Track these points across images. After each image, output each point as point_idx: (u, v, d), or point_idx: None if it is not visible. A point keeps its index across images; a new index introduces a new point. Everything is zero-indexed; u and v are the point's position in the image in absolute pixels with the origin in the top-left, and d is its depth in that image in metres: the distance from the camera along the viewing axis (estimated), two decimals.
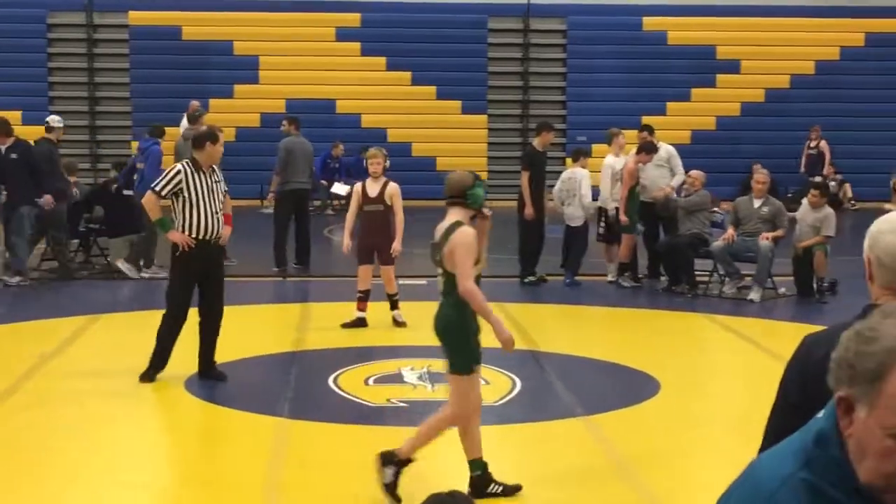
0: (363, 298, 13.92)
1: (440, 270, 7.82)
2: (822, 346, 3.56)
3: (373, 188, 13.78)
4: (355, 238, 13.85)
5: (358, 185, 14.11)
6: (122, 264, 17.65)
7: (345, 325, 13.83)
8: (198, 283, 11.19)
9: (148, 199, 11.12)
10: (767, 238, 15.98)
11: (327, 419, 10.06)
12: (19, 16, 30.73)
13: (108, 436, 9.61)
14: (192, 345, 11.40)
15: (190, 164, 11.14)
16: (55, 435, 9.49)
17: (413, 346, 12.18)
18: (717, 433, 9.74)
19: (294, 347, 12.90)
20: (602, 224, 17.54)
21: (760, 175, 16.75)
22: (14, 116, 29.67)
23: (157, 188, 11.04)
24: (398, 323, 13.92)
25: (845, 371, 2.26)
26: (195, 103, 24.46)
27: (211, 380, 11.17)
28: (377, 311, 14.03)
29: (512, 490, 8.02)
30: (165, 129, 18.72)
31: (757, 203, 16.49)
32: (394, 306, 14.01)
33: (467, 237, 7.69)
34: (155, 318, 11.57)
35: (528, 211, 17.14)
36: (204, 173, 11.12)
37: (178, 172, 11.03)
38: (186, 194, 10.96)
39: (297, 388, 11.16)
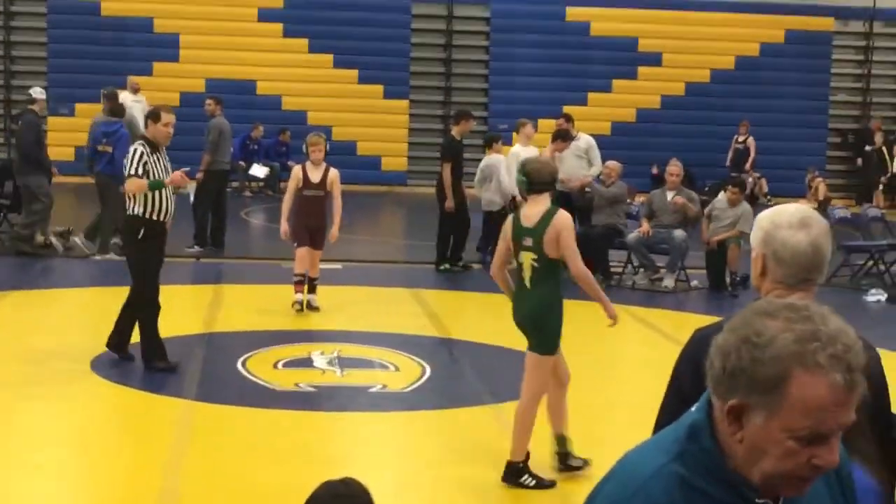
0: (301, 282, 13.83)
1: (533, 256, 7.96)
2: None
3: (314, 173, 13.77)
4: (290, 221, 13.78)
5: (297, 169, 14.01)
6: (79, 239, 17.43)
7: (299, 310, 13.67)
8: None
9: (134, 185, 10.70)
10: (678, 203, 16.22)
11: (233, 402, 9.99)
12: None
13: (7, 416, 9.46)
14: (101, 324, 11.27)
15: (146, 144, 10.94)
16: None
17: (324, 330, 12.15)
18: (621, 422, 9.80)
19: (204, 329, 12.80)
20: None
21: (674, 167, 16.90)
22: None
23: (133, 172, 10.72)
24: (312, 307, 13.85)
25: (739, 379, 2.20)
26: (134, 80, 24.39)
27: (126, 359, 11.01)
28: (289, 294, 13.94)
29: (547, 485, 8.12)
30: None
31: (670, 195, 16.64)
32: (311, 290, 13.95)
33: (569, 220, 8.04)
34: (63, 296, 11.42)
35: (449, 203, 17.12)
36: (159, 153, 10.97)
37: (142, 154, 10.80)
38: (147, 176, 10.77)
39: (205, 370, 11.07)
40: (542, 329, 8.08)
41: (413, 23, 31.79)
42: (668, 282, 16.34)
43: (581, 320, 14.66)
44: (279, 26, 30.94)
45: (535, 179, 8.06)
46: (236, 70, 30.16)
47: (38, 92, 18.30)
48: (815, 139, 32.02)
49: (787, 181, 29.59)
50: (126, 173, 10.84)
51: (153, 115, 11.12)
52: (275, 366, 11.23)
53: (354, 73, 30.94)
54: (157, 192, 10.79)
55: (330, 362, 11.37)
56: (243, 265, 17.37)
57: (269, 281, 15.96)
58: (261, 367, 11.13)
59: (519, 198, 16.12)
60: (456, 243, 17.49)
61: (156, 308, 10.92)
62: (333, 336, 12.55)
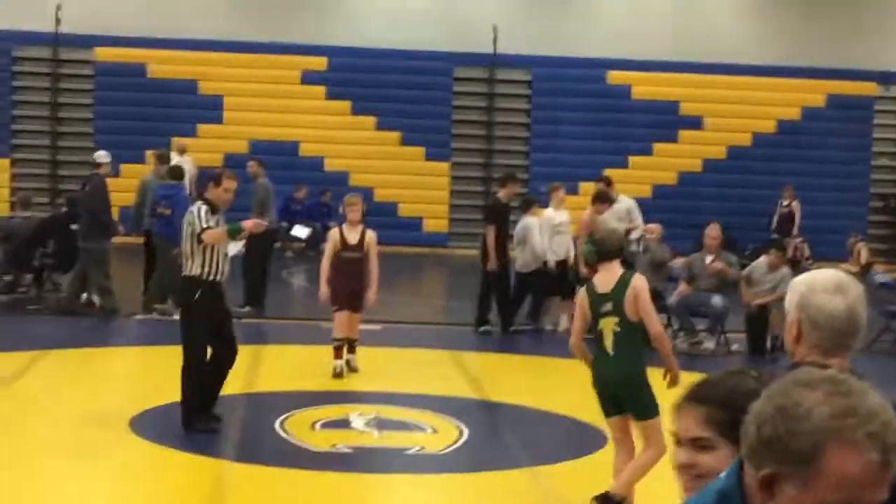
0: (341, 346, 13.63)
1: (615, 321, 8.15)
2: None
3: (352, 235, 13.67)
4: (329, 284, 13.63)
5: (334, 231, 13.91)
6: (158, 307, 17.45)
7: (338, 375, 13.50)
8: (216, 325, 11.01)
9: (214, 235, 10.76)
10: (716, 268, 16.16)
11: (271, 463, 9.99)
12: None
13: (46, 473, 9.50)
14: (140, 383, 11.33)
15: (206, 205, 10.97)
16: None
17: (362, 391, 12.15)
18: (663, 488, 9.72)
19: (244, 389, 12.81)
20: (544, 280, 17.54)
21: (712, 231, 16.83)
22: None
23: (206, 225, 10.75)
24: (352, 368, 13.83)
25: (774, 449, 2.18)
26: (182, 142, 24.69)
27: (214, 421, 11.02)
28: (328, 354, 13.95)
29: None
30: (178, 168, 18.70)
31: (709, 259, 16.57)
32: (351, 350, 13.88)
33: (645, 282, 8.35)
34: (107, 355, 11.49)
35: (492, 264, 17.09)
36: (217, 215, 11.02)
37: (207, 210, 10.86)
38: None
39: (243, 430, 11.09)
40: (641, 390, 8.26)
41: (455, 85, 31.97)
42: (709, 344, 16.27)
43: None
44: (322, 89, 31.20)
45: (603, 248, 8.33)
46: (279, 131, 30.40)
47: (102, 156, 18.47)
48: (856, 203, 31.88)
49: (829, 245, 29.38)
50: (200, 227, 10.76)
51: (215, 179, 11.15)
52: (312, 426, 11.23)
53: (397, 135, 31.12)
54: (215, 253, 10.83)
55: (368, 423, 11.36)
56: (284, 325, 17.40)
57: (309, 342, 15.99)
58: (299, 427, 11.13)
59: (583, 268, 16.14)
60: (497, 305, 17.44)
61: (207, 367, 10.92)
62: (371, 397, 12.56)
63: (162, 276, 17.27)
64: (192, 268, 10.84)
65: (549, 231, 17.44)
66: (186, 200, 17.02)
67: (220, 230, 10.84)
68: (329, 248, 13.74)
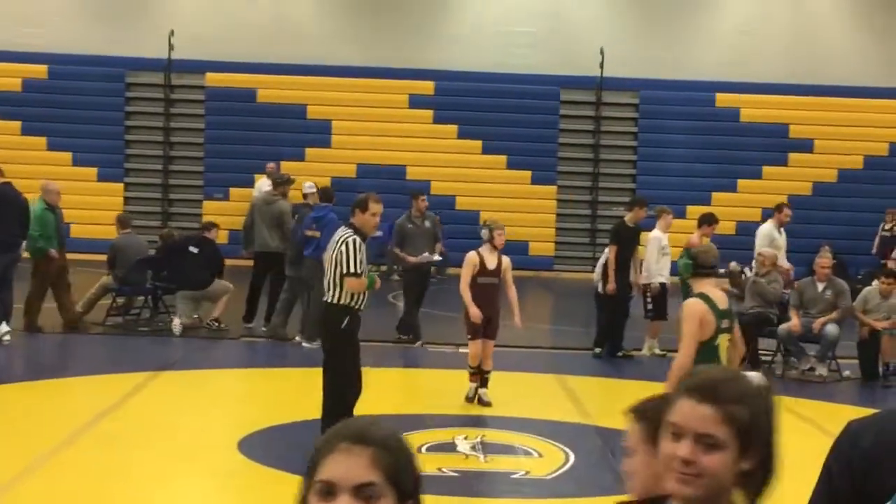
0: (476, 373, 13.38)
1: (729, 337, 8.13)
2: (869, 433, 3.48)
3: (491, 260, 13.51)
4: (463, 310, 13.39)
5: (473, 255, 13.58)
6: (300, 338, 17.50)
7: (469, 400, 13.37)
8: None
9: (357, 284, 10.63)
10: (821, 324, 15.85)
11: None
12: (98, 74, 31.23)
13: (156, 492, 9.62)
14: (247, 405, 11.42)
15: (356, 233, 10.83)
16: (101, 489, 9.53)
17: (468, 415, 12.13)
18: None
19: (353, 412, 12.87)
20: (648, 300, 17.41)
21: (823, 259, 16.59)
22: (90, 173, 30.39)
23: (355, 270, 10.60)
24: (483, 402, 13.39)
25: None
26: (272, 167, 24.84)
27: None
28: (444, 378, 13.97)
29: None
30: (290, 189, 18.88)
31: (820, 286, 16.31)
32: (483, 384, 13.50)
33: None
34: (214, 377, 11.61)
35: (611, 286, 17.04)
36: (364, 242, 10.87)
37: (359, 246, 10.68)
38: (362, 267, 10.71)
39: None
40: None
41: (562, 109, 31.95)
42: (822, 370, 15.98)
43: None
44: (429, 112, 31.36)
45: (698, 262, 8.31)
46: (386, 155, 30.62)
47: (308, 186, 18.71)
48: None
49: None
50: (347, 270, 10.59)
51: (362, 205, 10.94)
52: (419, 450, 11.23)
53: (503, 158, 31.16)
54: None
55: (473, 447, 11.35)
56: (391, 349, 17.44)
57: (415, 364, 16.05)
58: None
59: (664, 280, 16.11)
60: (614, 329, 17.34)
61: (355, 392, 10.94)
62: (477, 421, 12.55)
63: (319, 299, 17.23)
64: (343, 296, 10.73)
65: (655, 252, 17.36)
66: (336, 223, 17.17)
67: (362, 281, 10.67)
68: (468, 271, 13.42)
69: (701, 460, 2.67)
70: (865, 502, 3.42)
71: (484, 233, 13.40)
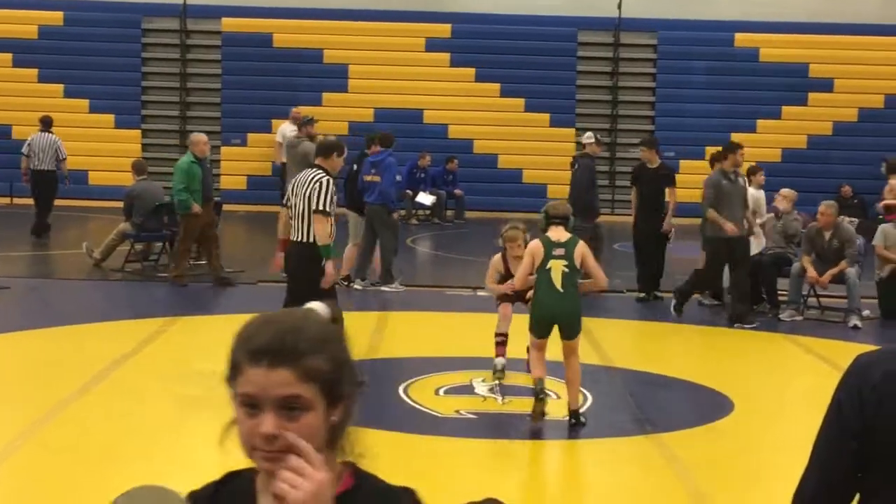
0: (504, 342, 11.92)
1: (564, 264, 10.15)
2: (878, 367, 3.45)
3: (516, 266, 12.94)
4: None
5: (497, 259, 12.20)
6: (385, 285, 17.40)
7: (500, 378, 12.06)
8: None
9: (322, 222, 10.88)
10: (830, 277, 15.71)
11: (393, 428, 10.01)
12: (114, 20, 31.14)
13: (167, 442, 9.64)
14: None
15: (327, 174, 11.15)
16: (118, 436, 9.56)
17: (486, 357, 12.06)
18: (789, 457, 9.55)
19: (368, 356, 12.87)
20: None
21: (823, 207, 16.23)
22: (107, 120, 30.36)
23: (327, 208, 10.89)
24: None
25: None
26: (296, 110, 24.74)
27: None
28: (461, 321, 13.94)
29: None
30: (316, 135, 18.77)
31: (827, 235, 16.12)
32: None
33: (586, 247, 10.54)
34: (231, 322, 11.54)
35: (667, 226, 17.19)
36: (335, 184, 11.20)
37: (332, 184, 11.04)
38: (332, 207, 11.03)
39: (367, 396, 11.10)
40: (578, 320, 10.29)
41: (579, 51, 31.75)
42: (855, 321, 15.69)
43: (750, 351, 14.43)
44: (447, 56, 31.20)
45: (557, 213, 10.47)
46: (404, 99, 30.50)
47: (588, 136, 18.67)
48: None
49: None
50: (316, 206, 10.89)
51: (339, 149, 11.44)
52: (436, 392, 11.25)
53: (521, 101, 31.00)
54: (332, 222, 11.02)
55: (491, 389, 11.35)
56: (407, 293, 17.43)
57: (432, 308, 16.05)
58: (422, 393, 11.16)
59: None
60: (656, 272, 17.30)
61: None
62: (493, 362, 12.51)
63: (388, 244, 17.27)
64: (310, 236, 10.98)
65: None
66: (394, 166, 17.17)
67: (327, 236, 10.92)
68: (492, 273, 12.29)
69: (289, 430, 2.28)
70: (873, 435, 3.39)
71: (499, 240, 12.53)
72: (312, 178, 11.08)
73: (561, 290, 10.09)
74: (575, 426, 9.96)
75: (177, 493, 2.43)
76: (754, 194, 16.95)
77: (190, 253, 17.59)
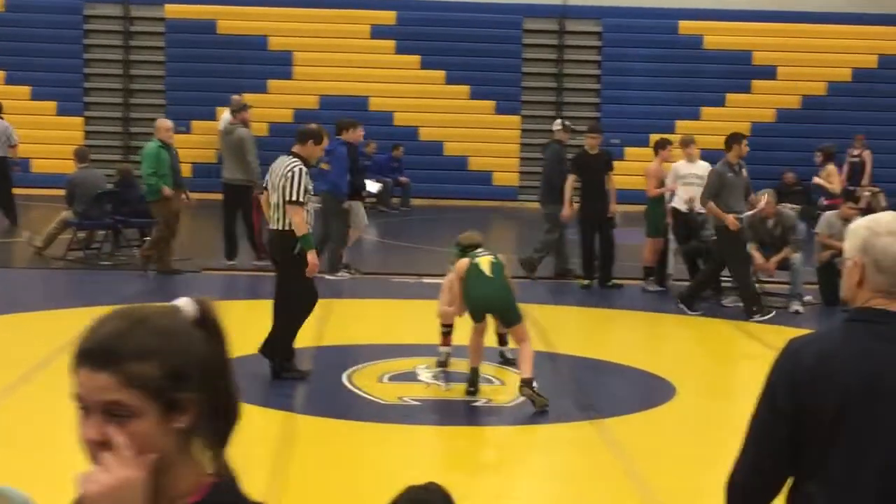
0: (450, 333, 11.77)
1: (492, 259, 10.74)
2: (810, 352, 3.49)
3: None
4: None
5: (465, 263, 11.16)
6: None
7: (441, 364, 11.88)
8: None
9: (296, 212, 10.95)
10: (775, 264, 15.83)
11: (338, 415, 10.02)
12: (55, 6, 30.85)
13: None
14: None
15: (302, 162, 11.19)
16: (57, 425, 9.48)
17: (430, 344, 12.08)
18: (728, 442, 9.63)
19: (313, 343, 12.84)
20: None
21: (755, 198, 16.30)
22: (49, 107, 30.06)
23: (300, 199, 10.94)
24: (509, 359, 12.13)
25: None
26: (236, 97, 24.54)
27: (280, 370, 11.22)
28: (406, 309, 13.94)
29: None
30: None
31: (770, 223, 16.23)
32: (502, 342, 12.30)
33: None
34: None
35: (566, 212, 17.24)
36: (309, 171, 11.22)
37: (305, 173, 11.07)
38: (306, 196, 11.06)
39: (311, 383, 11.12)
40: (514, 305, 10.57)
41: (525, 38, 31.76)
42: (798, 306, 15.86)
43: (693, 336, 14.53)
44: (392, 43, 31.12)
45: (464, 245, 11.12)
46: (349, 86, 30.38)
47: (557, 124, 18.54)
48: None
49: None
50: (290, 197, 10.95)
51: (317, 137, 11.48)
52: (380, 379, 11.24)
53: (466, 88, 30.98)
54: (307, 209, 11.06)
55: (435, 376, 11.36)
56: (353, 280, 17.39)
57: (378, 295, 16.03)
58: (366, 380, 11.15)
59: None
60: (604, 259, 17.34)
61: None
62: (438, 350, 12.52)
63: (337, 233, 17.17)
64: (287, 224, 10.99)
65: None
66: (345, 156, 17.07)
67: (304, 226, 10.95)
68: (453, 277, 11.56)
69: (115, 438, 2.16)
70: (806, 417, 3.43)
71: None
72: (286, 167, 11.14)
73: (491, 276, 10.45)
74: (523, 389, 10.13)
75: (24, 495, 2.35)
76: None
77: (171, 239, 17.23)
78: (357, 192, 17.60)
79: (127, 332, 2.22)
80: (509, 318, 10.57)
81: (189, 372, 2.22)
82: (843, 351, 3.45)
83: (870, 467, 3.36)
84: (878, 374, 3.39)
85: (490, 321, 11.34)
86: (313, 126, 11.87)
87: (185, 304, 2.29)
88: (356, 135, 17.62)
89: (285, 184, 11.00)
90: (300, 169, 11.06)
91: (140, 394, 2.17)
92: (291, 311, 11.15)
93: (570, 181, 17.32)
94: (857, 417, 3.38)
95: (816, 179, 24.74)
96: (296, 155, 11.30)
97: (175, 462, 2.23)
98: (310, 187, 11.15)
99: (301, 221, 10.95)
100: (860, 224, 3.59)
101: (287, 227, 11.01)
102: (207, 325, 2.30)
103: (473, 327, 10.65)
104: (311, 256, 11.00)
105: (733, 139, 15.62)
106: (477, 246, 11.03)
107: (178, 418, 2.21)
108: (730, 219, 14.95)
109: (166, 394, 2.19)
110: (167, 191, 16.87)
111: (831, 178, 24.24)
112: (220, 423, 2.32)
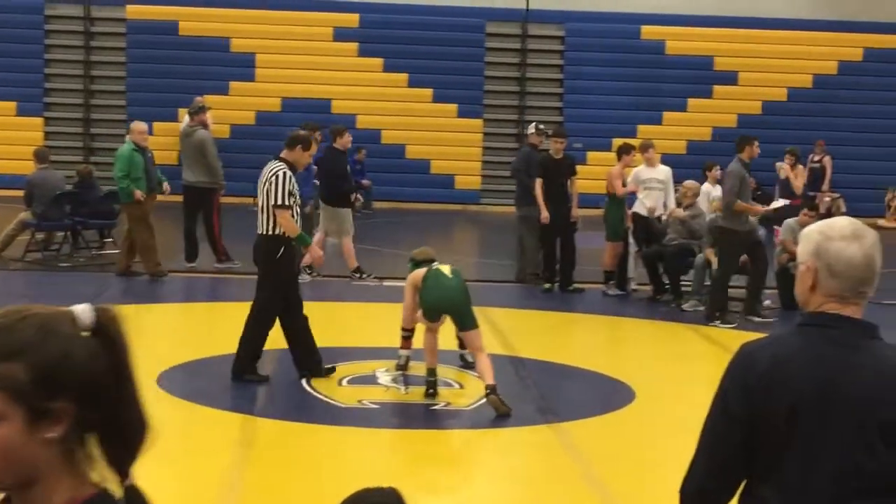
0: (411, 337, 11.72)
1: (451, 267, 11.03)
2: (764, 356, 3.49)
3: None
4: None
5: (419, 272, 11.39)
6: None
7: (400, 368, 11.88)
8: (292, 282, 11.31)
9: (289, 227, 10.98)
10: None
11: (296, 418, 9.99)
12: (16, 6, 30.63)
13: None
14: (167, 340, 11.32)
15: (287, 167, 11.17)
16: None
17: (389, 347, 12.05)
18: (686, 445, 9.65)
19: (271, 346, 12.77)
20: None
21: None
22: (9, 108, 29.85)
23: (285, 202, 10.95)
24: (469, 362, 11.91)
25: None
26: (197, 99, 24.43)
27: (320, 375, 11.19)
28: (366, 311, 13.91)
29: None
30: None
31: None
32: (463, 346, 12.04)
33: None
34: (135, 312, 11.47)
35: (544, 215, 17.21)
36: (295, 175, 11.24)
37: (290, 178, 11.05)
38: (291, 199, 11.06)
39: (270, 386, 11.08)
40: (469, 308, 10.66)
41: (487, 41, 31.78)
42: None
43: (652, 340, 14.57)
44: (354, 45, 31.07)
45: (418, 260, 11.24)
46: (311, 89, 30.31)
47: (530, 128, 18.56)
48: (894, 158, 31.51)
49: (866, 201, 29.16)
50: (276, 202, 10.95)
51: (305, 143, 11.43)
52: (339, 382, 11.21)
53: (429, 92, 30.98)
54: (295, 214, 11.08)
55: (394, 379, 11.34)
56: (314, 283, 17.33)
57: (335, 298, 15.99)
58: (325, 383, 11.12)
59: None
60: (563, 263, 17.33)
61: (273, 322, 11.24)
62: (398, 353, 12.49)
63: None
64: (277, 227, 10.98)
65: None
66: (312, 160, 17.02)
67: (294, 227, 11.00)
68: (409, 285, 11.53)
69: None
70: (759, 422, 3.43)
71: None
72: (271, 172, 11.16)
73: (450, 276, 10.67)
74: (490, 397, 10.10)
75: None
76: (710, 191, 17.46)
77: (153, 241, 17.03)
78: (346, 197, 17.62)
79: (2, 330, 2.13)
80: (464, 321, 10.59)
81: (63, 380, 2.10)
82: (796, 356, 3.46)
83: (823, 471, 3.37)
84: (831, 379, 3.39)
85: (447, 324, 11.37)
86: (302, 132, 11.94)
87: (81, 310, 2.18)
88: (344, 141, 17.76)
89: (269, 188, 11.03)
90: (284, 172, 11.05)
91: (4, 396, 2.07)
92: (269, 315, 11.10)
93: (539, 185, 17.30)
94: (811, 422, 3.38)
95: (782, 167, 24.81)
96: (282, 160, 11.29)
97: (46, 474, 2.11)
98: (295, 191, 11.12)
99: (290, 224, 10.98)
100: (813, 229, 3.59)
101: (271, 231, 11.01)
102: (104, 335, 2.18)
103: (427, 327, 10.72)
104: (314, 249, 11.31)
105: (745, 140, 16.04)
106: (431, 261, 11.12)
107: (49, 428, 2.09)
108: (758, 207, 15.91)
109: (34, 400, 2.08)
110: (139, 194, 16.75)
111: (798, 176, 24.40)
112: (114, 440, 2.18)
